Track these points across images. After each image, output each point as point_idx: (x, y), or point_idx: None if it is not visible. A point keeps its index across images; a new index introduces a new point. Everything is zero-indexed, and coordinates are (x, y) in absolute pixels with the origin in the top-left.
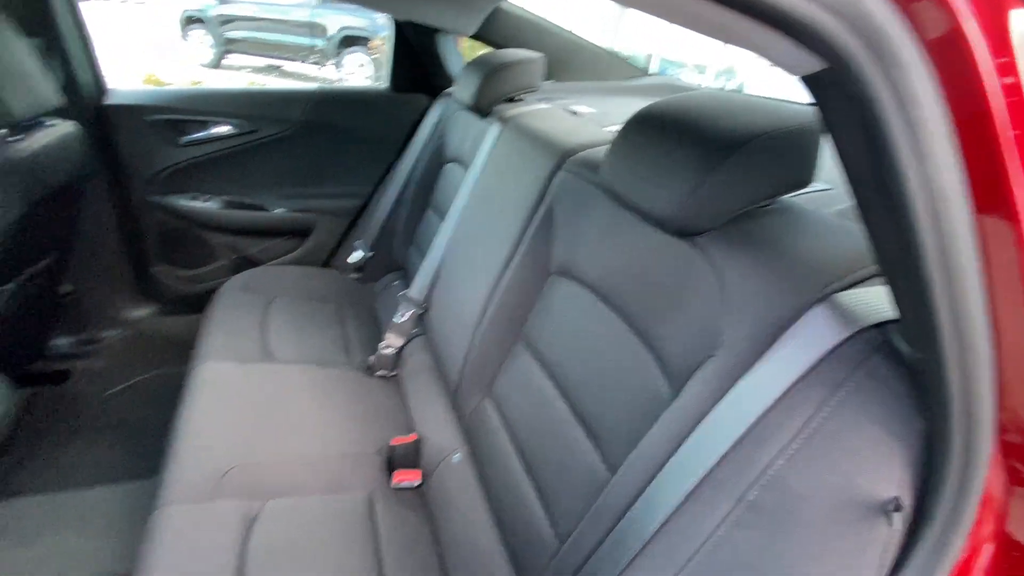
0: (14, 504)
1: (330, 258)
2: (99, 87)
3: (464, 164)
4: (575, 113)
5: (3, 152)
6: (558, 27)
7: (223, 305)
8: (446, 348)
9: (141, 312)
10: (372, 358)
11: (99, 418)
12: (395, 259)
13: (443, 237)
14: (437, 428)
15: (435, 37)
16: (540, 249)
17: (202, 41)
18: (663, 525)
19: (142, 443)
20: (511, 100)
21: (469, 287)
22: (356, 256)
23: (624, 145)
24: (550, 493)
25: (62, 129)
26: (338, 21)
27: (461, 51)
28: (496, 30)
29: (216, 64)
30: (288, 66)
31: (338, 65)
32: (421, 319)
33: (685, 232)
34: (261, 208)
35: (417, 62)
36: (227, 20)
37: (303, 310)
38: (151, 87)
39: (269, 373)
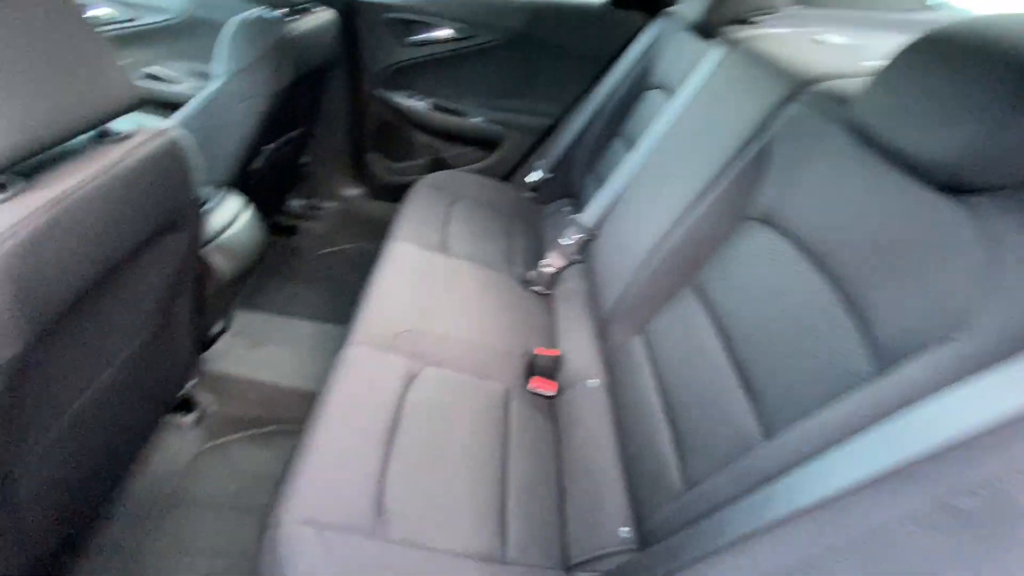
0: (251, 315)
1: (511, 173)
2: None
3: (669, 91)
4: (822, 43)
5: (283, 28)
6: None
7: (416, 198)
8: (605, 278)
9: (353, 192)
10: (532, 273)
11: (313, 270)
12: (571, 186)
13: (629, 166)
14: (579, 352)
15: None
16: (741, 190)
17: None
18: (827, 501)
19: (341, 296)
20: (743, 22)
21: (646, 222)
22: (534, 176)
23: (897, 74)
24: (687, 439)
25: (324, 16)
26: None
27: None
28: None
29: None
30: None
31: None
32: (586, 247)
33: (959, 187)
34: (461, 114)
35: None
36: None
37: (479, 216)
38: None
39: (443, 262)
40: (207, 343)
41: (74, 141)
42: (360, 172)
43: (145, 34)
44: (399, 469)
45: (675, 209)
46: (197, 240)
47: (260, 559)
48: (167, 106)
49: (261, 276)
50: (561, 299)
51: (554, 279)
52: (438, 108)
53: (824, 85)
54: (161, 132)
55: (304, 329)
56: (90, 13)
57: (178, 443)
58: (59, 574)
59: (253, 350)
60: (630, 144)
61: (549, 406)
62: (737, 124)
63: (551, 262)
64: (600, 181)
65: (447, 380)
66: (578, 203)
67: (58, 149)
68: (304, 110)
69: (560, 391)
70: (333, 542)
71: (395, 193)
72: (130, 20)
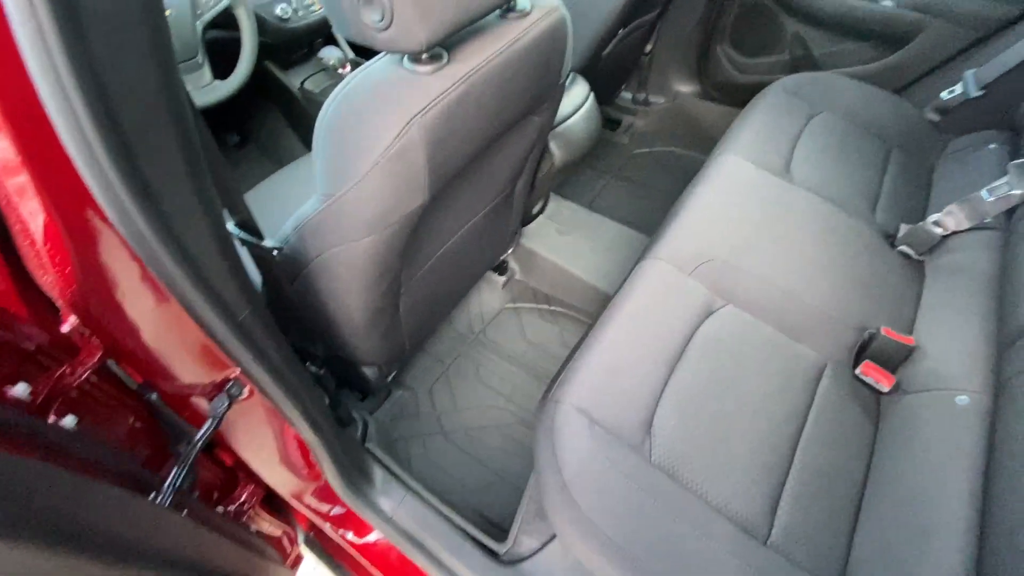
0: (563, 203)
1: (914, 83)
2: None
3: None
4: None
5: None
6: None
7: (763, 105)
8: None
9: (688, 88)
10: (905, 228)
11: (625, 170)
12: (1014, 115)
13: None
14: (947, 351)
15: None
16: None
17: None
18: None
19: (647, 203)
20: None
21: None
22: (954, 91)
23: None
24: None
25: None
26: None
27: None
28: None
29: None
30: None
31: None
32: (1016, 212)
33: None
34: None
35: None
36: None
37: (846, 137)
38: None
39: (782, 190)
40: (527, 220)
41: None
42: (703, 66)
43: None
44: (675, 399)
45: None
46: (550, 123)
47: (539, 420)
48: None
49: (578, 166)
50: (941, 272)
51: (940, 243)
52: None
53: None
54: (552, 10)
55: (606, 228)
56: None
57: (490, 296)
58: (405, 364)
59: (560, 236)
60: None
61: (876, 403)
62: None
63: (945, 220)
64: None
65: (751, 328)
66: (1018, 141)
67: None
68: None
69: (897, 389)
70: (601, 439)
71: (739, 95)
72: None
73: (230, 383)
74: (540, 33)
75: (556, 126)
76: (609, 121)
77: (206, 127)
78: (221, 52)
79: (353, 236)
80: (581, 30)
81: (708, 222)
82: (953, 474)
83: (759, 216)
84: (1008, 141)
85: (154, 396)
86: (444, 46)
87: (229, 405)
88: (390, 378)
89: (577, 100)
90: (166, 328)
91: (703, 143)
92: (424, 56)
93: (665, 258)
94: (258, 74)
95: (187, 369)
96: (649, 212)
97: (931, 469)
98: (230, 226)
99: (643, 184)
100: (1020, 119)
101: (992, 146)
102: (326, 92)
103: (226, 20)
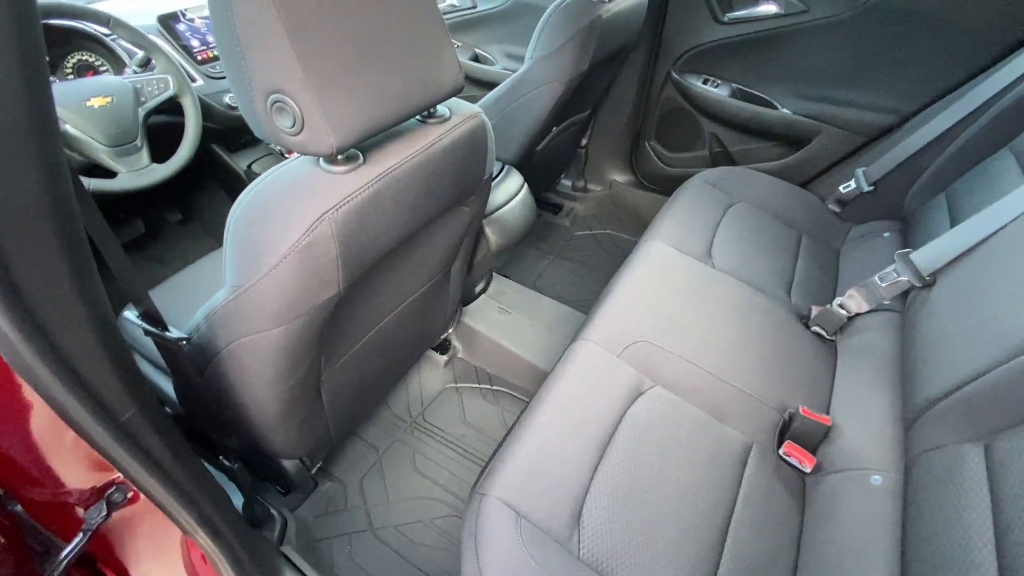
0: (505, 282)
1: (815, 179)
2: None
3: None
4: None
5: (597, 10)
6: None
7: (686, 195)
8: (937, 352)
9: (622, 178)
10: (816, 309)
11: (566, 251)
12: (899, 207)
13: (1015, 201)
14: (861, 431)
15: None
16: None
17: None
18: None
19: (586, 281)
20: None
21: None
22: (849, 186)
23: None
24: None
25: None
26: None
27: None
28: None
29: None
30: None
31: None
32: (909, 295)
33: None
34: (768, 104)
35: None
36: None
37: (760, 224)
38: None
39: (704, 274)
40: (470, 299)
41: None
42: (634, 159)
43: (479, 20)
44: (605, 488)
45: None
46: (481, 212)
47: (465, 516)
48: (482, 84)
49: (521, 247)
50: (851, 352)
51: (847, 324)
52: (739, 95)
53: None
54: (472, 115)
55: (547, 307)
56: (443, 4)
57: (431, 376)
58: (334, 453)
59: (502, 314)
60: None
61: (801, 483)
62: None
63: (848, 302)
64: (952, 207)
65: (678, 409)
66: (906, 231)
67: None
68: (595, 93)
69: (818, 470)
70: (528, 535)
71: (666, 185)
72: (472, 7)
73: (112, 488)
74: (458, 137)
75: (491, 213)
76: (552, 205)
77: (103, 221)
78: (168, 136)
79: (262, 326)
80: (515, 129)
81: (636, 304)
82: (873, 557)
83: (683, 298)
84: (899, 230)
85: (18, 508)
86: (361, 148)
87: (107, 514)
88: (314, 470)
89: (512, 190)
90: (33, 429)
91: (637, 227)
92: (339, 157)
93: (595, 340)
94: (205, 156)
95: (60, 474)
96: (589, 291)
97: (853, 553)
98: (132, 316)
99: (583, 264)
100: (907, 211)
101: (886, 234)
102: None
103: (174, 106)
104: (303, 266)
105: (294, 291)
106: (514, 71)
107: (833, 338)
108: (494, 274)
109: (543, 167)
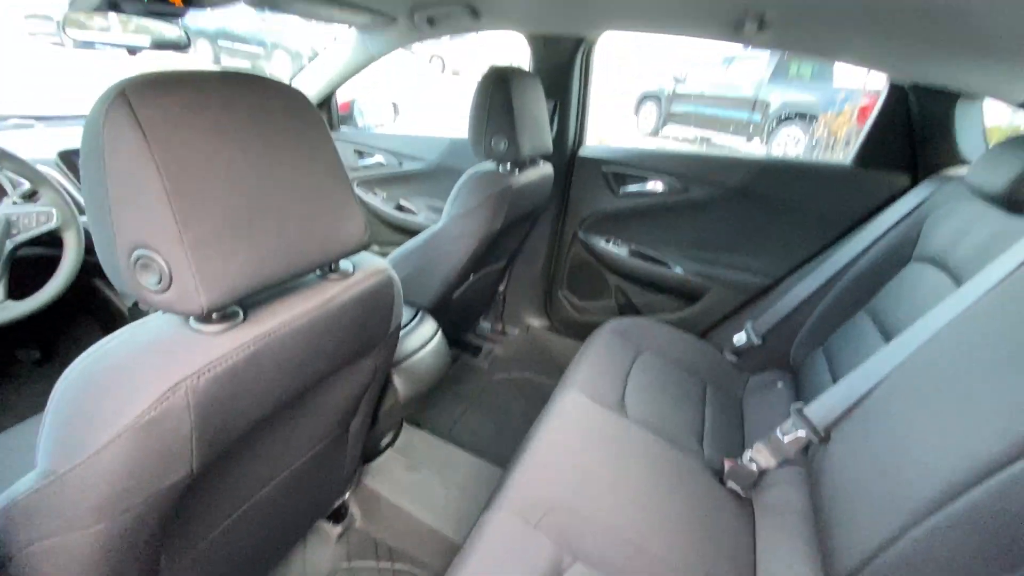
0: (415, 433)
1: (710, 330)
2: (579, 141)
3: (947, 269)
4: None
5: (508, 180)
6: None
7: (597, 343)
8: (845, 514)
9: (538, 322)
10: (729, 464)
11: (484, 395)
12: (787, 358)
13: (888, 358)
14: None
15: (954, 104)
16: None
17: (649, 114)
18: None
19: (504, 429)
20: None
21: (920, 452)
22: (740, 339)
23: None
24: None
25: (545, 170)
26: (782, 96)
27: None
28: None
29: (656, 133)
30: (717, 138)
31: (768, 139)
32: (809, 449)
33: None
34: (662, 263)
35: (906, 133)
36: (676, 97)
37: (667, 373)
38: (612, 146)
39: (617, 426)
40: (372, 455)
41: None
42: (548, 305)
43: (404, 176)
44: None
45: (976, 449)
46: (388, 363)
47: None
48: (404, 231)
49: (437, 392)
50: (767, 511)
51: (759, 478)
52: (637, 255)
53: None
54: (377, 271)
55: (461, 461)
56: (371, 161)
57: (319, 554)
58: None
59: (409, 472)
60: (881, 323)
61: None
62: None
63: (756, 457)
64: (830, 360)
65: None
66: (796, 381)
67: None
68: (510, 246)
69: None
70: None
71: (579, 330)
72: (398, 165)
73: None
74: (360, 293)
75: (402, 361)
76: (472, 347)
77: None
78: (41, 270)
79: (76, 524)
80: (432, 277)
81: (553, 463)
82: None
83: (601, 454)
84: (791, 380)
85: None
86: (243, 305)
87: None
88: None
89: (424, 337)
90: None
91: (553, 370)
92: (213, 316)
93: (510, 509)
94: (84, 291)
95: None
96: (506, 441)
97: None
98: None
99: (502, 409)
100: (793, 362)
101: (779, 384)
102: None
103: (56, 240)
104: (142, 445)
105: (126, 477)
106: (435, 221)
107: (749, 496)
108: (404, 423)
109: (462, 311)
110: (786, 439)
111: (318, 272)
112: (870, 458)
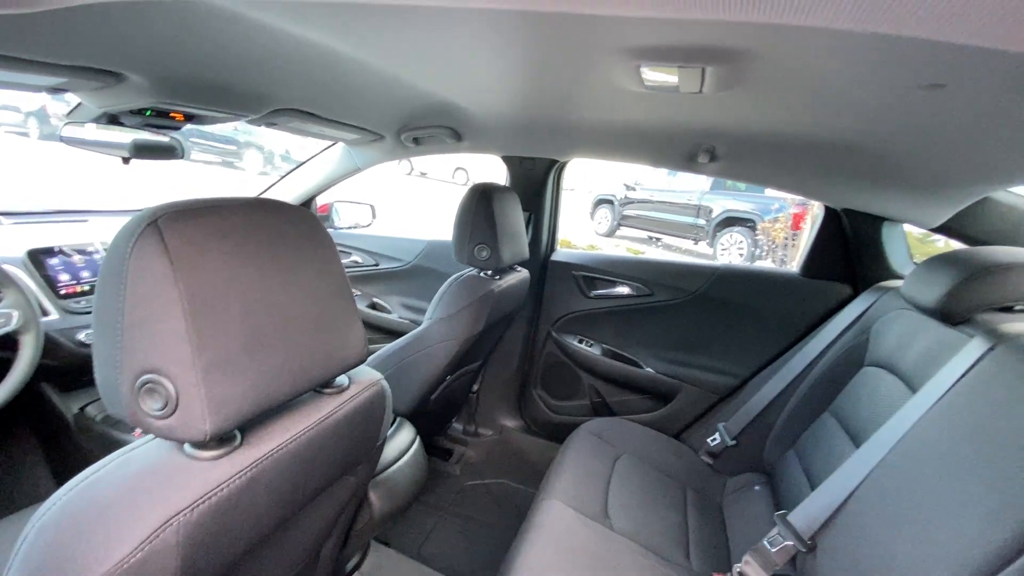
0: (385, 553)
1: (684, 431)
2: (551, 247)
3: (898, 374)
4: None
5: (489, 285)
6: None
7: (575, 446)
8: None
9: (512, 423)
10: None
11: (457, 504)
12: (762, 458)
13: (861, 464)
14: None
15: (880, 226)
16: None
17: (604, 217)
18: None
19: (480, 545)
20: (1005, 309)
21: (908, 564)
22: (715, 440)
23: None
24: None
25: (522, 275)
26: (723, 205)
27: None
28: (977, 223)
29: (611, 234)
30: (667, 239)
31: (713, 242)
32: (797, 558)
33: None
34: (634, 364)
35: (843, 249)
36: (628, 202)
37: (647, 478)
38: (583, 251)
39: (604, 539)
40: None
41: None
42: (522, 405)
43: (379, 275)
44: None
45: (955, 559)
46: (369, 478)
47: None
48: (378, 328)
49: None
50: None
51: None
52: (609, 355)
53: None
54: (371, 383)
55: None
56: (347, 260)
57: None
58: None
59: None
60: (845, 425)
61: None
62: None
63: (747, 569)
64: (802, 461)
65: None
66: (772, 482)
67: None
68: (487, 347)
69: None
70: None
71: (552, 431)
72: (374, 264)
73: None
74: (356, 407)
75: (378, 474)
76: (442, 450)
77: None
78: None
79: None
80: (411, 380)
81: None
82: None
83: (588, 574)
84: (767, 483)
85: None
86: (240, 427)
87: None
88: None
89: (403, 445)
90: None
91: (529, 474)
92: (211, 441)
93: None
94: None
95: None
96: (482, 556)
97: None
98: None
99: (476, 520)
100: (767, 464)
101: (757, 487)
102: (108, 420)
103: (10, 343)
104: None
105: None
106: (409, 320)
107: None
108: (372, 542)
109: (436, 414)
110: (774, 550)
111: (315, 388)
112: (856, 571)
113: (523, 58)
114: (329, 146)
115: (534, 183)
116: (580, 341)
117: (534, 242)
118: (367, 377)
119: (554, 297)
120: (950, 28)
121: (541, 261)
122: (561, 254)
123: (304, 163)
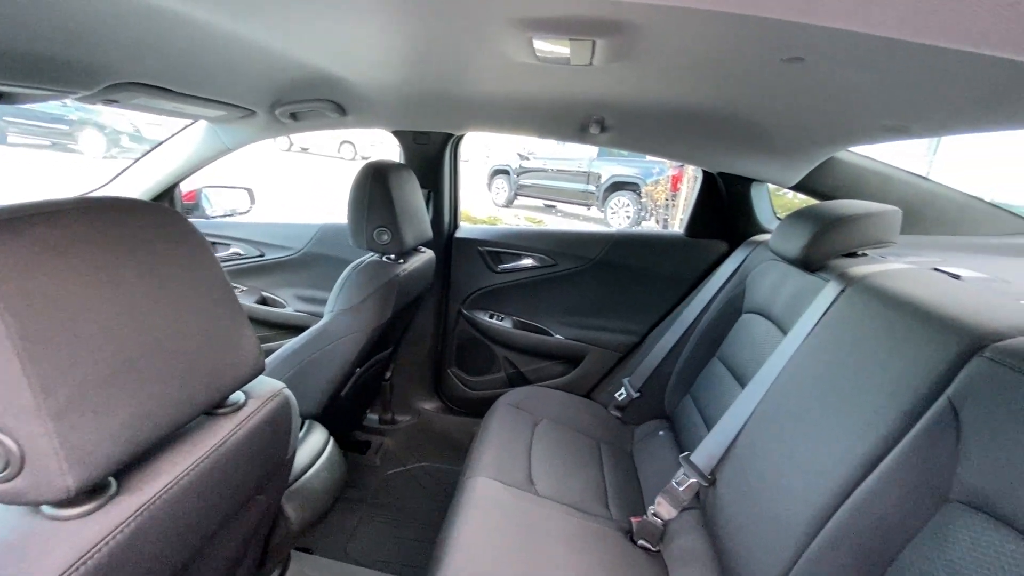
0: (306, 561)
1: (594, 389)
2: (454, 224)
3: (771, 318)
4: (957, 277)
5: (394, 270)
6: (908, 174)
7: (496, 419)
8: (743, 552)
9: (430, 405)
10: (635, 522)
11: (380, 495)
12: (664, 406)
13: (746, 401)
14: None
15: (749, 186)
16: (927, 463)
17: (501, 187)
18: None
19: (408, 533)
20: (851, 255)
21: (788, 481)
22: (621, 395)
23: None
24: None
25: (427, 256)
26: (610, 170)
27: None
28: (825, 180)
29: (509, 204)
30: (561, 206)
31: (603, 206)
32: (700, 495)
33: None
34: (545, 332)
35: (720, 210)
36: (523, 171)
37: (565, 439)
38: (487, 226)
39: (531, 505)
40: None
41: None
42: (439, 386)
43: (267, 266)
44: None
45: (834, 475)
46: (280, 493)
47: None
48: (272, 325)
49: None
50: (676, 562)
51: (664, 532)
52: (520, 326)
53: (1014, 341)
54: (272, 394)
55: None
56: (226, 252)
57: None
58: None
59: None
60: (731, 367)
61: None
62: (893, 377)
63: (658, 510)
64: (698, 403)
65: None
66: (673, 426)
67: None
68: (397, 333)
69: None
70: None
71: (472, 407)
72: (259, 255)
73: None
74: (257, 424)
75: (291, 484)
76: (358, 443)
77: None
78: None
79: None
80: (317, 380)
81: (478, 560)
82: None
83: (520, 542)
84: (669, 427)
85: None
86: (115, 473)
87: None
88: None
89: (316, 448)
90: None
91: (451, 453)
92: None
93: None
94: None
95: None
96: (411, 544)
97: None
98: None
99: (402, 509)
100: (668, 410)
101: (661, 433)
102: None
103: None
104: None
105: None
106: (307, 313)
107: (658, 549)
108: (292, 552)
109: (348, 409)
110: (682, 488)
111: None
112: (751, 496)
113: (412, 28)
114: (189, 124)
115: (430, 159)
116: (491, 316)
117: (436, 220)
118: (266, 388)
119: (461, 275)
120: (808, 9)
121: (445, 239)
122: (465, 230)
123: (160, 144)
